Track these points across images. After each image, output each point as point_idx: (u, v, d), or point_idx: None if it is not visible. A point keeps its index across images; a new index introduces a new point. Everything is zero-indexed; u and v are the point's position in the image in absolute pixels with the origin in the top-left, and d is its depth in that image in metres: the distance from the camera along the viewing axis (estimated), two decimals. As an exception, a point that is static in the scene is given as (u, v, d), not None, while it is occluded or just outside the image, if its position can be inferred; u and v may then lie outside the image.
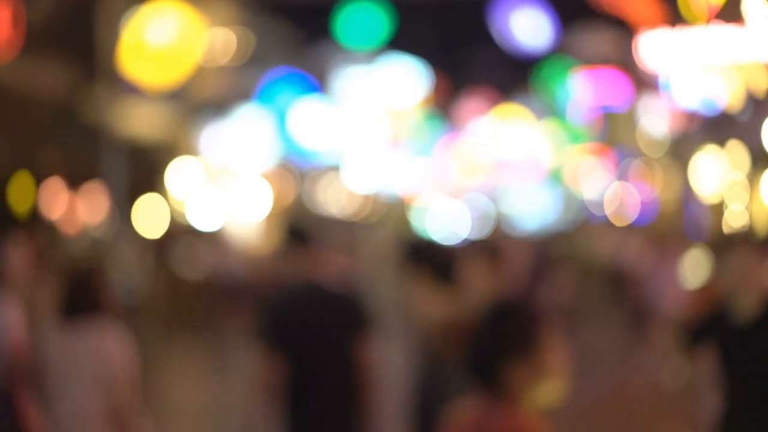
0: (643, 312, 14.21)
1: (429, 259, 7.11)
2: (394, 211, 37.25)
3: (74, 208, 17.89)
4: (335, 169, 34.17)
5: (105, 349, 5.89)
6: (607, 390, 12.45)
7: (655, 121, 23.67)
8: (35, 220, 16.82)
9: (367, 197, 36.19)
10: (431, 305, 6.62)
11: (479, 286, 6.29)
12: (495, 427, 2.84)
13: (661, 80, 19.91)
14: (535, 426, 2.86)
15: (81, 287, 6.00)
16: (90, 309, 5.96)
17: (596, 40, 28.86)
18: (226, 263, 21.15)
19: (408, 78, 36.85)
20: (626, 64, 25.69)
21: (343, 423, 5.78)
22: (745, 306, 5.25)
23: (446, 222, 35.11)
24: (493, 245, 6.72)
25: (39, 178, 17.13)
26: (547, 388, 2.85)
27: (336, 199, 34.61)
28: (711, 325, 5.28)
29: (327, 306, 5.92)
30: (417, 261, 7.23)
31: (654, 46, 19.02)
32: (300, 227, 6.24)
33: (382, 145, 35.83)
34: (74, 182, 17.88)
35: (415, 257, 7.54)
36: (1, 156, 16.23)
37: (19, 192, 16.79)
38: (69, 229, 17.64)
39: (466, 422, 2.91)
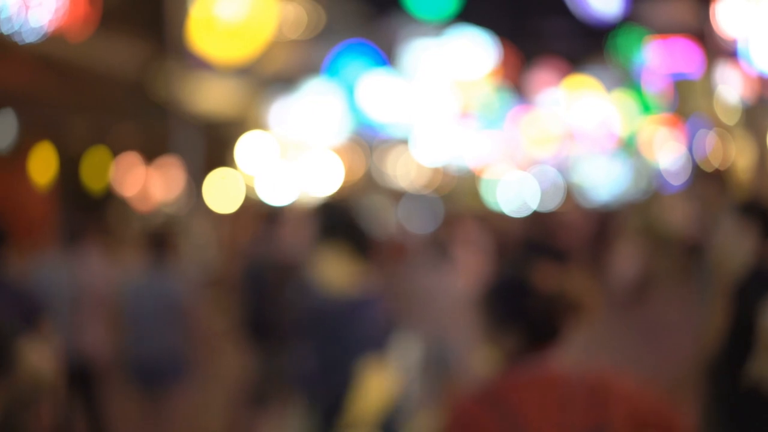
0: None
1: None
2: (464, 184, 37.13)
3: (148, 184, 18.00)
4: (405, 141, 34.11)
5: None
6: (682, 361, 12.32)
7: (731, 88, 23.32)
8: (110, 196, 16.96)
9: (436, 170, 36.09)
10: None
11: None
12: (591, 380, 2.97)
13: (737, 47, 19.60)
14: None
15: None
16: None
17: (670, 7, 28.44)
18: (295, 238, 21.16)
19: (477, 50, 36.64)
20: (701, 31, 25.30)
21: None
22: None
23: (516, 194, 34.94)
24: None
25: (113, 154, 17.26)
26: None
27: (406, 171, 34.56)
28: None
29: None
30: None
31: (730, 12, 18.72)
32: None
33: (451, 117, 35.70)
34: (147, 158, 18.00)
35: None
36: (75, 133, 16.37)
37: (94, 168, 16.92)
38: (143, 206, 17.75)
39: (530, 377, 2.99)
